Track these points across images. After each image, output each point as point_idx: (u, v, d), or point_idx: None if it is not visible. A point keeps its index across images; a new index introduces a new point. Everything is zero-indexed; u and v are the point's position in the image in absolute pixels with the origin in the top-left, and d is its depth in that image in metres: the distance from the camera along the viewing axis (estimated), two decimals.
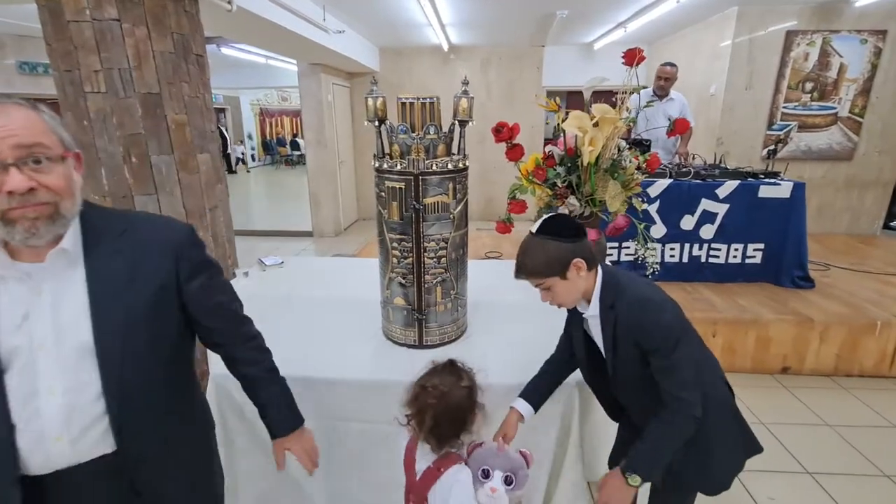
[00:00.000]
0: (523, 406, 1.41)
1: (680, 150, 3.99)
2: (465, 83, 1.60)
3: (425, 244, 1.64)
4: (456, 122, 1.60)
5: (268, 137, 16.17)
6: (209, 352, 1.14)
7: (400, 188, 1.58)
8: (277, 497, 1.70)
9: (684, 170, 3.44)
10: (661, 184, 3.33)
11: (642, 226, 1.98)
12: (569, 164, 2.00)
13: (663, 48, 6.08)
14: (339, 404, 1.61)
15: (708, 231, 3.43)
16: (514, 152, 2.03)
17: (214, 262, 1.04)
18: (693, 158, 3.84)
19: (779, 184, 3.33)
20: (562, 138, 2.03)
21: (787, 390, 2.86)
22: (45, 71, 4.93)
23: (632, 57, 1.89)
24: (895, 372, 2.98)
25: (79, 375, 0.83)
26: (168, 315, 0.94)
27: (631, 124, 2.13)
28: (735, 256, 3.47)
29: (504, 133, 1.98)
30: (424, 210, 1.59)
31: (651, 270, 1.98)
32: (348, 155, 7.23)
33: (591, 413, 1.66)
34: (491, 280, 2.19)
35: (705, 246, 3.48)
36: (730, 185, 3.32)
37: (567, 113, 1.92)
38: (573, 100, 6.79)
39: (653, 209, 3.37)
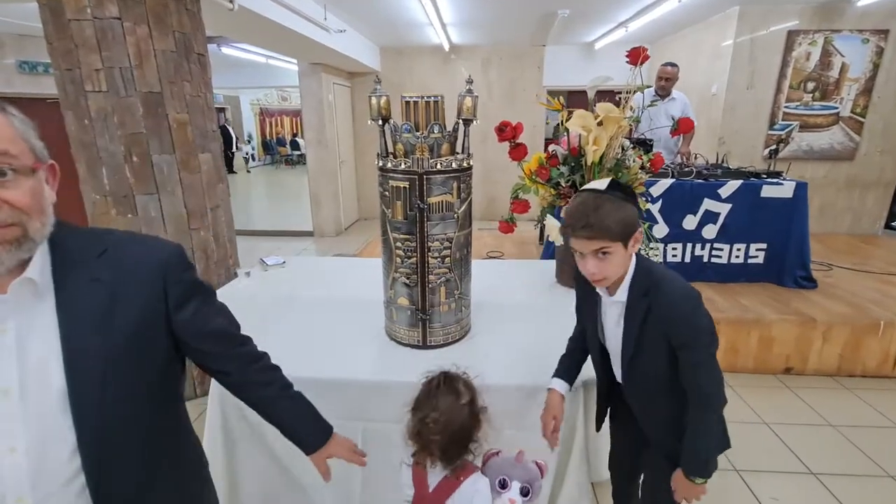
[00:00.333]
0: (561, 385, 1.41)
1: (682, 150, 3.99)
2: (470, 82, 1.59)
3: (429, 244, 1.63)
4: (460, 120, 1.59)
5: (268, 137, 16.16)
6: None
7: (404, 187, 1.57)
8: (281, 498, 1.69)
9: (686, 169, 3.44)
10: (664, 183, 3.32)
11: (645, 225, 1.97)
12: (572, 164, 2.00)
13: (664, 48, 6.07)
14: (343, 405, 1.60)
15: (710, 231, 3.42)
16: (518, 151, 2.03)
17: (207, 285, 0.94)
18: (695, 158, 3.84)
19: (781, 184, 3.33)
20: (565, 137, 2.02)
21: (789, 390, 2.85)
22: (45, 70, 4.91)
23: (636, 56, 1.88)
24: None
25: (49, 429, 0.70)
26: (156, 348, 0.82)
27: (633, 124, 2.13)
28: (737, 256, 3.47)
29: (507, 132, 1.97)
30: (429, 209, 1.58)
31: None
32: (349, 155, 7.23)
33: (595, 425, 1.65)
34: (493, 280, 2.19)
35: (707, 246, 3.47)
36: (732, 185, 3.31)
37: (570, 112, 1.92)
38: (574, 99, 6.78)
39: (655, 209, 3.37)
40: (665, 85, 3.98)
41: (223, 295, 2.25)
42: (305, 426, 1.05)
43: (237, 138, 13.89)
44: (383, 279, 1.78)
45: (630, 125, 2.02)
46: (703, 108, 5.09)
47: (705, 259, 3.49)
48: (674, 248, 3.49)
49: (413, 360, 1.67)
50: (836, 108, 4.83)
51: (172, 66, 2.31)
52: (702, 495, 1.21)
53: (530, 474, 1.17)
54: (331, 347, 1.80)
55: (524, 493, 1.16)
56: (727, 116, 4.91)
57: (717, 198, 3.35)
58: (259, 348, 1.04)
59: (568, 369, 1.44)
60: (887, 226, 5.32)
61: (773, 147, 3.94)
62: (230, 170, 12.91)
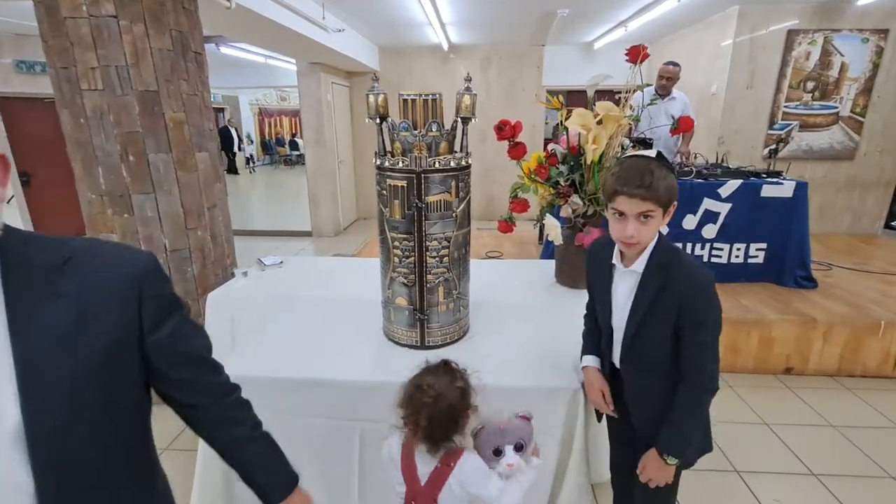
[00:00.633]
0: (594, 360, 1.43)
1: (682, 150, 3.98)
2: (468, 80, 1.57)
3: (427, 243, 1.61)
4: (459, 119, 1.58)
5: (266, 137, 16.14)
6: None
7: (402, 186, 1.55)
8: None
9: (686, 169, 3.43)
10: None
11: None
12: (572, 163, 1.98)
13: (664, 47, 6.06)
14: (341, 405, 1.59)
15: (710, 231, 3.41)
16: (517, 150, 2.01)
17: (181, 299, 0.85)
18: (695, 158, 3.83)
19: (781, 183, 3.32)
20: (564, 136, 2.01)
21: (790, 391, 2.84)
22: (42, 70, 4.89)
23: (636, 54, 1.87)
24: None
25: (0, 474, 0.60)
26: (126, 373, 0.72)
27: (633, 123, 2.11)
28: (737, 256, 3.46)
29: (506, 131, 1.96)
30: (427, 208, 1.57)
31: None
32: (347, 154, 7.21)
33: (595, 415, 1.64)
34: (492, 280, 2.17)
35: (707, 245, 3.46)
36: (732, 185, 3.30)
37: (570, 111, 1.90)
38: (573, 99, 6.75)
39: None
40: (666, 84, 3.97)
41: (220, 295, 2.26)
42: (272, 475, 0.92)
43: (240, 140, 13.86)
44: (381, 279, 1.77)
45: (630, 124, 2.01)
46: (703, 107, 5.08)
47: (705, 259, 3.48)
48: None
49: (411, 360, 1.64)
50: (836, 107, 4.83)
51: (169, 65, 2.29)
52: (666, 483, 1.22)
53: (519, 431, 1.20)
54: (328, 348, 1.78)
55: (518, 448, 1.19)
56: (727, 116, 4.90)
57: (717, 197, 3.34)
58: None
59: (595, 345, 1.45)
60: (887, 225, 5.32)
61: (773, 147, 3.94)
62: (233, 170, 12.90)
